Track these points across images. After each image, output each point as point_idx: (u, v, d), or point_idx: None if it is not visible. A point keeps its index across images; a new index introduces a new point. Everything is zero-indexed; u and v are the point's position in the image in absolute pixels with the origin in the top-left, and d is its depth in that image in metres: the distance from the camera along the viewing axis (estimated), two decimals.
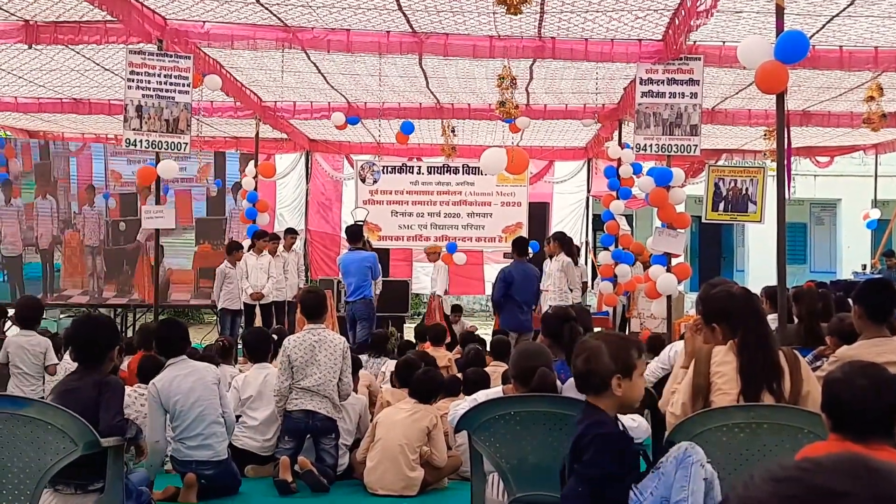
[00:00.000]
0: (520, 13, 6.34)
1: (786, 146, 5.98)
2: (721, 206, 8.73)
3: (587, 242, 15.62)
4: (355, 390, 6.41)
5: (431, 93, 11.35)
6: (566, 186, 16.23)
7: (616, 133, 11.69)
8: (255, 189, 12.08)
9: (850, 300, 5.66)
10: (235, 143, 14.73)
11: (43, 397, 5.63)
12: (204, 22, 8.45)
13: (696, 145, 8.37)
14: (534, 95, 11.44)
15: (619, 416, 3.08)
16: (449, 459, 5.74)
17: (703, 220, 9.17)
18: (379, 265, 11.18)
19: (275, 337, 7.31)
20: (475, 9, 7.80)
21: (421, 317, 15.11)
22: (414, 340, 9.44)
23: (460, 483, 5.60)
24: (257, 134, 12.40)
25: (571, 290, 10.45)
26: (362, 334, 10.46)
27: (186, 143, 8.61)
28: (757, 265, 19.68)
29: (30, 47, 8.87)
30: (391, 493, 5.50)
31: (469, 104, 11.95)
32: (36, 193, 14.02)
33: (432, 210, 15.33)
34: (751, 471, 1.14)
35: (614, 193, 11.44)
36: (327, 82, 10.90)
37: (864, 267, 15.85)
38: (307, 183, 16.04)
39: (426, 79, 10.53)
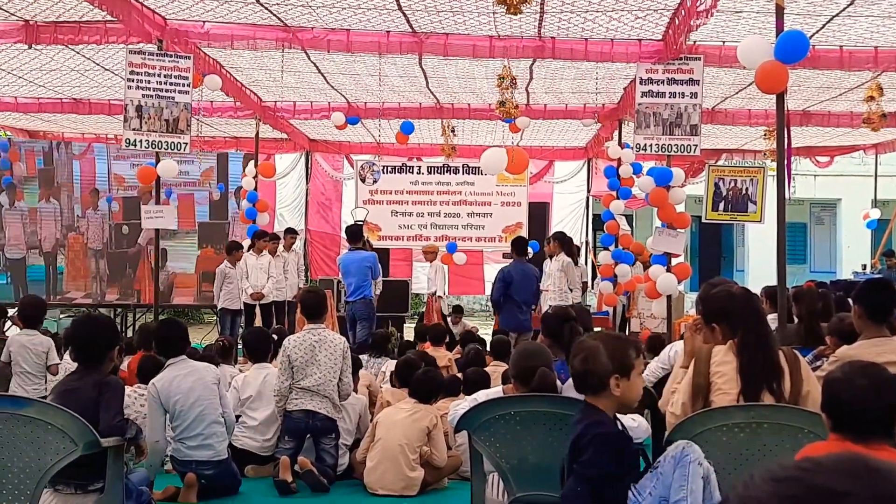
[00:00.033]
0: (520, 13, 6.34)
1: (786, 146, 5.98)
2: (721, 205, 8.72)
3: (587, 242, 15.61)
4: (355, 390, 6.41)
5: (431, 93, 11.34)
6: (566, 186, 16.22)
7: (616, 133, 11.68)
8: (255, 189, 12.09)
9: (850, 300, 5.66)
10: (235, 143, 14.73)
11: (45, 397, 5.63)
12: (204, 22, 8.45)
13: (696, 145, 8.38)
14: (534, 95, 11.44)
15: (619, 415, 3.08)
16: (449, 459, 5.74)
17: (703, 220, 9.16)
18: (379, 265, 11.17)
19: (275, 337, 7.31)
20: (475, 9, 7.80)
21: (420, 317, 15.10)
22: (414, 340, 9.44)
23: (460, 483, 5.60)
24: (257, 134, 12.40)
25: (571, 290, 10.45)
26: (362, 334, 10.46)
27: (186, 144, 8.61)
28: (757, 265, 19.67)
29: (30, 47, 8.87)
30: (391, 493, 5.50)
31: (469, 104, 11.94)
32: (40, 197, 14.09)
33: (432, 210, 15.33)
34: (751, 471, 1.14)
35: (614, 193, 11.44)
36: (327, 82, 10.89)
37: (864, 267, 15.84)
38: (307, 183, 16.03)
39: (426, 79, 10.53)
